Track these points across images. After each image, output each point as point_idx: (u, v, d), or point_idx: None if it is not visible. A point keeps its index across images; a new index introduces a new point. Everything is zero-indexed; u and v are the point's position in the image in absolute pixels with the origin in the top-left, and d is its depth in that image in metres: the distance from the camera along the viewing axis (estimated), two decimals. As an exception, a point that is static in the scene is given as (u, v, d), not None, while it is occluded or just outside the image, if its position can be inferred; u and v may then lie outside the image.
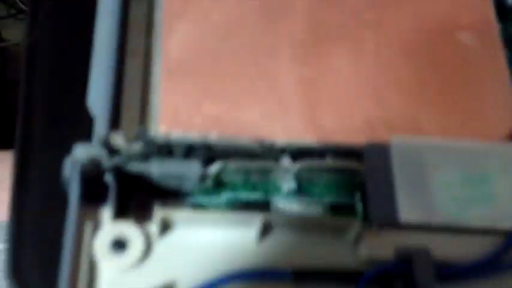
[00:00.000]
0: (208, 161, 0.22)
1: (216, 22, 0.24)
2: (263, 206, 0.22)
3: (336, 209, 0.22)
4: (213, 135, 0.21)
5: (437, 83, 0.24)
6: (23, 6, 1.33)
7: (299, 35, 0.24)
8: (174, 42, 0.23)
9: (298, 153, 0.22)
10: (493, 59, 0.25)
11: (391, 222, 0.20)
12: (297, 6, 0.25)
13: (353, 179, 0.22)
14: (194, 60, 0.23)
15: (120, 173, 0.20)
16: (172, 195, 0.22)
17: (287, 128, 0.22)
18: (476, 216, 0.21)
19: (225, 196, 0.22)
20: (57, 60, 0.27)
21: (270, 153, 0.22)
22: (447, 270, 0.20)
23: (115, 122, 0.22)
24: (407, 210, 0.20)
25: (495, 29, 0.25)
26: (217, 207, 0.22)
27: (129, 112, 0.22)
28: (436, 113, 0.23)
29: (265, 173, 0.22)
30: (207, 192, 0.22)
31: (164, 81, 0.22)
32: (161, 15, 0.24)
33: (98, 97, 0.22)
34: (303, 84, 0.23)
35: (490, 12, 0.26)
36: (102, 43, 0.23)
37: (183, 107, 0.22)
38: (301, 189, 0.23)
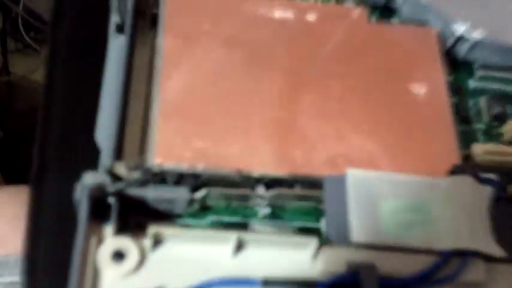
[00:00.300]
0: (195, 188, 0.26)
1: (206, 71, 0.28)
2: (242, 227, 0.26)
3: (303, 231, 0.26)
4: (200, 166, 0.26)
5: (390, 126, 0.28)
6: (29, 41, 1.38)
7: (275, 83, 0.28)
8: (169, 87, 0.27)
9: (271, 183, 0.26)
10: (438, 106, 0.29)
11: (345, 242, 0.24)
12: (274, 58, 0.29)
13: (318, 205, 0.27)
14: (186, 103, 0.27)
15: (121, 197, 0.24)
16: (165, 217, 0.26)
17: (263, 161, 0.26)
18: (416, 238, 0.25)
19: (209, 218, 0.26)
20: (71, 98, 0.31)
21: (247, 182, 0.26)
22: (389, 283, 0.24)
23: (118, 153, 0.26)
24: (359, 232, 0.24)
25: (442, 81, 0.30)
26: (202, 227, 0.26)
27: (131, 145, 0.27)
28: (388, 151, 0.28)
29: (243, 199, 0.26)
30: (194, 214, 0.26)
31: (160, 120, 0.26)
32: (160, 63, 0.28)
33: (104, 132, 0.26)
34: (277, 124, 0.27)
35: (438, 67, 0.30)
36: (110, 85, 0.28)
37: (175, 142, 0.26)
38: (275, 214, 0.27)
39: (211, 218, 0.26)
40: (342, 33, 0.30)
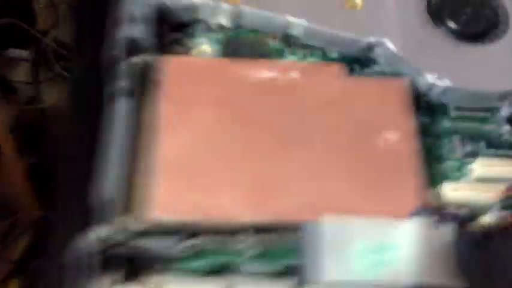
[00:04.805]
0: (191, 236, 0.30)
1: (200, 131, 0.32)
2: (233, 267, 0.30)
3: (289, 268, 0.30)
4: (195, 218, 0.30)
5: (364, 172, 0.32)
6: (59, 69, 1.44)
7: (262, 138, 0.32)
8: (166, 147, 0.31)
9: (258, 229, 0.30)
10: (407, 151, 0.33)
11: (320, 281, 0.28)
12: (260, 116, 0.33)
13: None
14: (181, 161, 0.31)
15: (126, 248, 0.29)
16: (164, 262, 0.30)
17: (250, 210, 0.30)
18: (384, 275, 0.28)
19: (203, 261, 0.30)
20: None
21: (236, 230, 0.30)
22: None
23: (123, 207, 0.30)
24: (332, 271, 0.28)
25: (411, 127, 0.33)
26: (197, 270, 0.30)
27: (135, 199, 0.31)
28: (362, 196, 0.31)
29: (234, 244, 0.30)
30: (190, 258, 0.30)
31: (159, 177, 0.30)
32: (159, 126, 0.32)
33: (111, 185, 0.30)
34: (263, 176, 0.31)
35: (407, 114, 0.34)
36: (118, 144, 0.32)
37: (172, 196, 0.30)
38: (263, 254, 0.31)
39: (205, 261, 0.30)
40: (321, 89, 0.34)
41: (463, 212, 0.32)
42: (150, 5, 0.35)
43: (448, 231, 0.30)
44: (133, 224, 0.29)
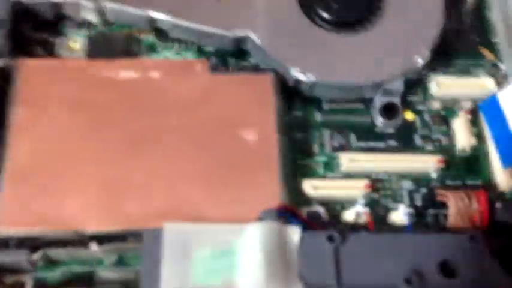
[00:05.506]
0: (40, 247, 0.29)
1: (52, 136, 0.31)
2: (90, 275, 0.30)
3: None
4: (38, 230, 0.29)
5: (220, 174, 0.31)
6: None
7: (115, 142, 0.31)
8: (16, 155, 0.31)
9: (106, 238, 0.30)
10: (267, 150, 0.32)
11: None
12: (117, 118, 0.32)
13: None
14: (30, 169, 0.30)
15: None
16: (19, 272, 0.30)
17: (97, 218, 0.30)
18: (222, 282, 0.28)
19: (59, 270, 0.30)
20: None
21: (82, 240, 0.29)
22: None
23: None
24: (168, 281, 0.27)
25: (273, 125, 0.32)
26: (55, 279, 0.29)
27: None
28: (216, 199, 0.30)
29: (83, 253, 0.30)
30: (45, 267, 0.30)
31: (5, 187, 0.30)
32: (9, 132, 0.31)
33: None
34: (114, 182, 0.30)
35: (270, 111, 0.33)
36: None
37: (17, 208, 0.29)
38: (121, 261, 0.30)
39: (61, 269, 0.30)
40: (182, 88, 0.33)
41: (319, 211, 0.32)
42: (5, 6, 0.34)
43: (299, 232, 0.29)
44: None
